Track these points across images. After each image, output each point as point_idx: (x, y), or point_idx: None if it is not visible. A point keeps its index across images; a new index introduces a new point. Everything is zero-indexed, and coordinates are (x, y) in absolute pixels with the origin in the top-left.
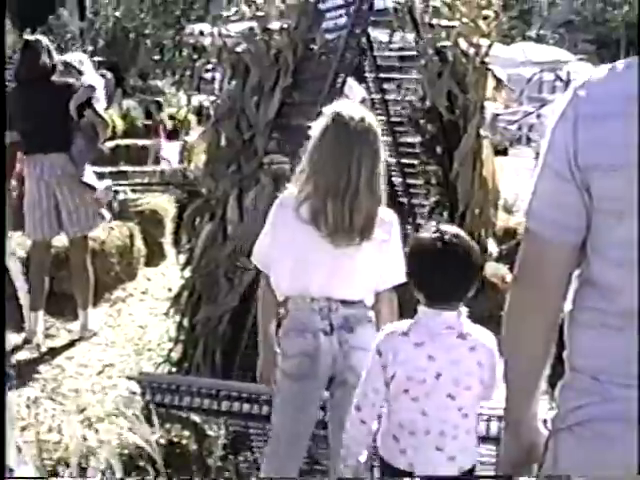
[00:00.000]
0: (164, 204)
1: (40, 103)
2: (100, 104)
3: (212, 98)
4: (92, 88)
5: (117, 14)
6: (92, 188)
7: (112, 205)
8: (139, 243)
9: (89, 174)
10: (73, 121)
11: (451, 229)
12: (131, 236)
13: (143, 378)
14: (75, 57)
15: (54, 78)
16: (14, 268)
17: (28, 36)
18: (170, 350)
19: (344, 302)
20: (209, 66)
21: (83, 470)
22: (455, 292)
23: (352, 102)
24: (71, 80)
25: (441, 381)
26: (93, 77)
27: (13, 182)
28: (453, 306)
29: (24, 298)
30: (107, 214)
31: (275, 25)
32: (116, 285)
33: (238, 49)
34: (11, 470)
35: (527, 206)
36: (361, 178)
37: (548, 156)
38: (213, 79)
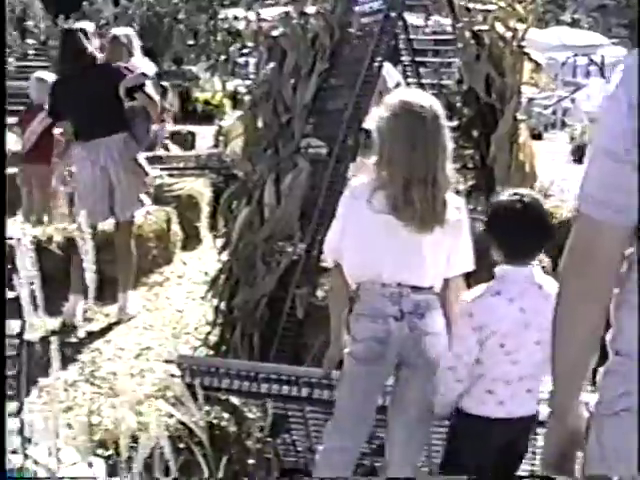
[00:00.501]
0: (200, 188)
1: (90, 89)
2: (150, 85)
3: (246, 82)
4: (144, 75)
5: (151, 0)
6: (145, 172)
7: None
8: (176, 227)
9: (142, 158)
10: (124, 103)
11: (528, 192)
12: (168, 220)
13: (183, 360)
14: (123, 31)
15: (101, 62)
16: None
17: (72, 24)
18: (208, 333)
19: (414, 288)
20: (243, 50)
21: (132, 450)
22: (533, 249)
23: (411, 89)
24: (120, 63)
25: (530, 330)
26: (143, 60)
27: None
28: (530, 262)
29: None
30: (148, 200)
31: (311, 9)
32: (153, 269)
33: (274, 33)
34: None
35: (579, 190)
36: (438, 164)
37: (601, 138)
38: (247, 63)
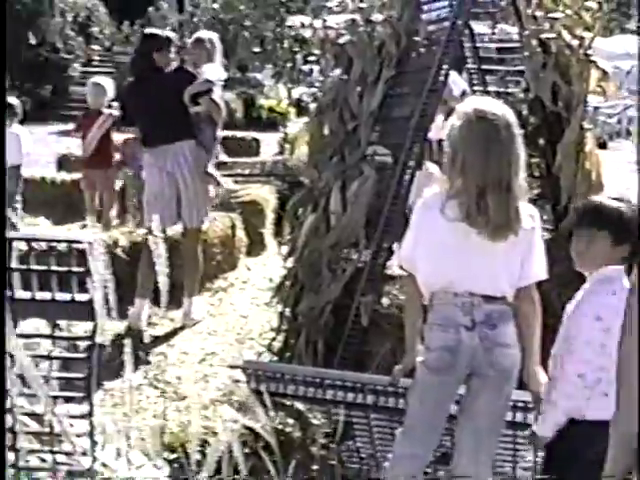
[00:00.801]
0: (265, 195)
1: (157, 94)
2: (217, 91)
3: (311, 90)
4: (209, 82)
5: (216, 6)
6: (216, 181)
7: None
8: (240, 233)
9: (212, 167)
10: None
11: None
12: (233, 226)
13: (248, 366)
14: (207, 35)
15: (172, 67)
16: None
17: (136, 30)
18: (272, 339)
19: (487, 298)
20: (308, 58)
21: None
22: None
23: (483, 97)
24: (182, 67)
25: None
26: (216, 66)
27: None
28: None
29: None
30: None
31: (378, 17)
32: (218, 274)
33: (341, 41)
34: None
35: None
36: (511, 172)
37: None
38: (311, 71)
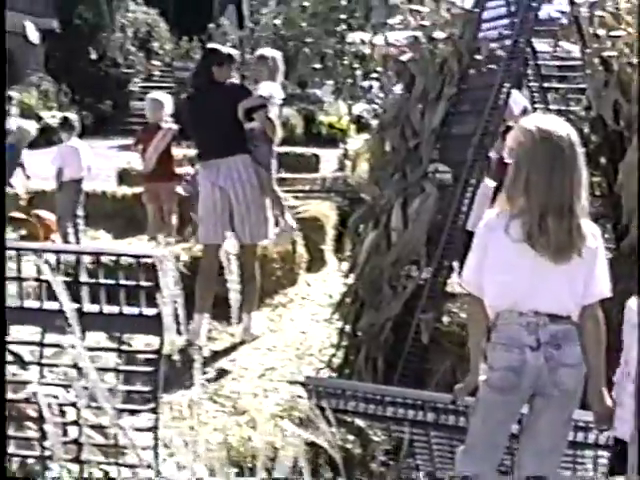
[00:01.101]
0: (325, 211)
1: (213, 108)
2: (274, 109)
3: (371, 107)
4: (262, 98)
5: (277, 22)
6: (277, 196)
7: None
8: (301, 249)
9: (274, 183)
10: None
11: None
12: (293, 242)
13: (309, 382)
14: (270, 53)
15: (229, 81)
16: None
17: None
18: (332, 356)
19: (552, 317)
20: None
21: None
22: None
23: (546, 115)
24: (238, 82)
25: None
26: (270, 85)
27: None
28: None
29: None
30: (293, 222)
31: (440, 34)
32: (277, 290)
33: (403, 58)
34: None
35: None
36: (574, 193)
37: None
38: (371, 88)
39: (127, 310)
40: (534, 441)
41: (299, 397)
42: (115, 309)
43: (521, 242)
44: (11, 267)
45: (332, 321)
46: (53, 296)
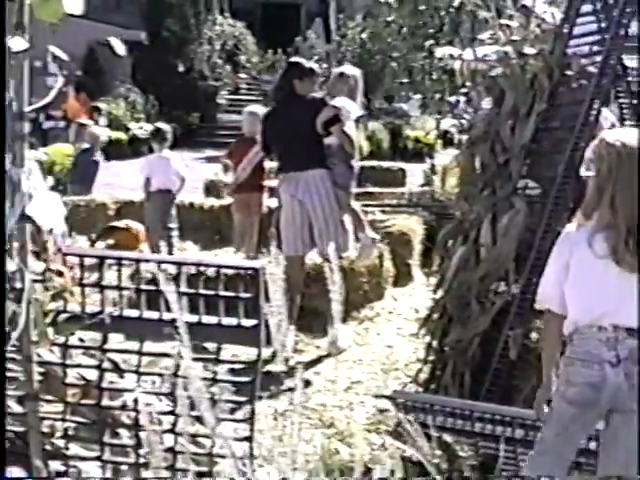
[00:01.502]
0: (412, 225)
1: (293, 121)
2: (350, 124)
3: (459, 122)
4: (336, 108)
5: (364, 36)
6: (356, 214)
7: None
8: (388, 263)
9: (352, 201)
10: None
11: None
12: (380, 256)
13: (397, 396)
14: (351, 71)
15: (310, 95)
16: None
17: (282, 59)
18: (419, 370)
19: (630, 332)
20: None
21: None
22: None
23: (630, 129)
24: (318, 95)
25: None
26: (346, 101)
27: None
28: None
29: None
30: (375, 235)
31: (531, 49)
32: (364, 304)
33: (493, 73)
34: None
35: None
36: None
37: None
38: (457, 102)
39: (226, 321)
40: (614, 458)
41: (386, 411)
42: (214, 319)
43: (606, 257)
44: (111, 276)
45: (419, 336)
46: (149, 305)
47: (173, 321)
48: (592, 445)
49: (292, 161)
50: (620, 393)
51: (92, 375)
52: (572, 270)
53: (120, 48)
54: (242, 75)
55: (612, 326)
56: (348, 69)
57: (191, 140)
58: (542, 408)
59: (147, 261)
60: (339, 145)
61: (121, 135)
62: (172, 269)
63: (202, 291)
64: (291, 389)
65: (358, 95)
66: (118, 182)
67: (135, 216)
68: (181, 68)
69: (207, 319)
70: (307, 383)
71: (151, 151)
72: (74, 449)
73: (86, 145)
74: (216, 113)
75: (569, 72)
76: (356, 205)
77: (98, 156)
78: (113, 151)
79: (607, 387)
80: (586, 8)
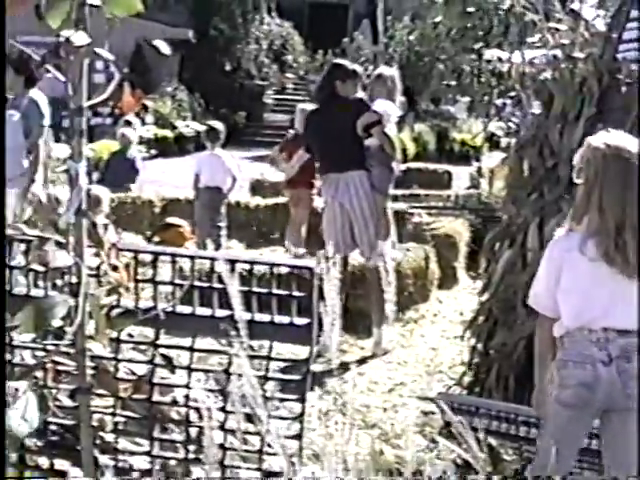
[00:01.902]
0: (458, 228)
1: (334, 122)
2: (391, 126)
3: (506, 125)
4: (377, 114)
5: (411, 38)
6: (386, 220)
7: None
8: (433, 266)
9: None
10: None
11: None
12: (426, 258)
13: (441, 398)
14: (389, 72)
15: (351, 97)
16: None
17: (330, 60)
18: (463, 373)
19: (621, 332)
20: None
21: None
22: None
23: (616, 133)
24: (358, 96)
25: None
26: (386, 103)
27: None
28: None
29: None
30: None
31: (580, 53)
32: (409, 306)
33: (542, 76)
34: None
35: None
36: None
37: None
38: (504, 105)
39: (278, 319)
40: (618, 457)
41: (431, 413)
42: (266, 317)
43: (598, 261)
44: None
45: (463, 338)
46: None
47: (226, 318)
48: (593, 443)
49: (332, 162)
50: (614, 392)
51: (141, 370)
52: (564, 275)
53: (165, 48)
54: (289, 75)
55: (602, 328)
56: (386, 70)
57: (237, 139)
58: (541, 412)
59: (202, 258)
60: (379, 147)
61: (167, 133)
62: (224, 266)
63: (255, 289)
64: (334, 389)
65: (397, 96)
66: (164, 179)
67: (181, 213)
68: (228, 67)
69: (260, 317)
70: (351, 384)
71: (198, 149)
72: (123, 443)
73: (119, 146)
74: (262, 112)
75: (619, 76)
76: (390, 214)
77: (134, 155)
78: (159, 148)
79: (601, 386)
80: (635, 13)
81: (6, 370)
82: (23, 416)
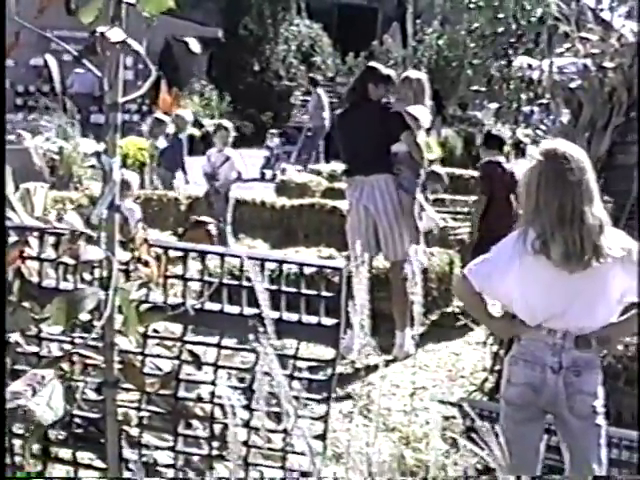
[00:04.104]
0: None
1: (362, 125)
2: (421, 132)
3: (533, 132)
4: (416, 120)
5: (441, 43)
6: (415, 223)
7: (431, 232)
8: (457, 271)
9: (417, 202)
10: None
11: None
12: (451, 263)
13: (464, 403)
14: (416, 75)
15: (382, 101)
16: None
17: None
18: (484, 379)
19: (580, 342)
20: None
21: None
22: None
23: (557, 140)
24: (388, 100)
25: None
26: (420, 109)
27: None
28: None
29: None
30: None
31: (610, 63)
32: (433, 310)
33: (572, 85)
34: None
35: None
36: (584, 204)
37: None
38: (532, 112)
39: (306, 319)
40: (573, 466)
41: (452, 418)
42: (294, 317)
43: (539, 254)
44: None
45: (486, 344)
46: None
47: (254, 316)
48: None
49: (358, 165)
50: (558, 401)
51: (167, 366)
52: (518, 273)
53: (195, 46)
54: (317, 76)
55: (562, 332)
56: (413, 73)
57: (264, 139)
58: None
59: (232, 256)
60: (407, 152)
61: (194, 131)
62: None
63: (284, 288)
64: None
65: (426, 99)
66: (190, 177)
67: (206, 211)
68: (256, 67)
69: (288, 316)
70: (372, 387)
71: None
72: (147, 438)
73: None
74: (289, 113)
75: None
76: (417, 217)
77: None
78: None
79: (545, 391)
80: None
81: (33, 361)
82: (48, 403)
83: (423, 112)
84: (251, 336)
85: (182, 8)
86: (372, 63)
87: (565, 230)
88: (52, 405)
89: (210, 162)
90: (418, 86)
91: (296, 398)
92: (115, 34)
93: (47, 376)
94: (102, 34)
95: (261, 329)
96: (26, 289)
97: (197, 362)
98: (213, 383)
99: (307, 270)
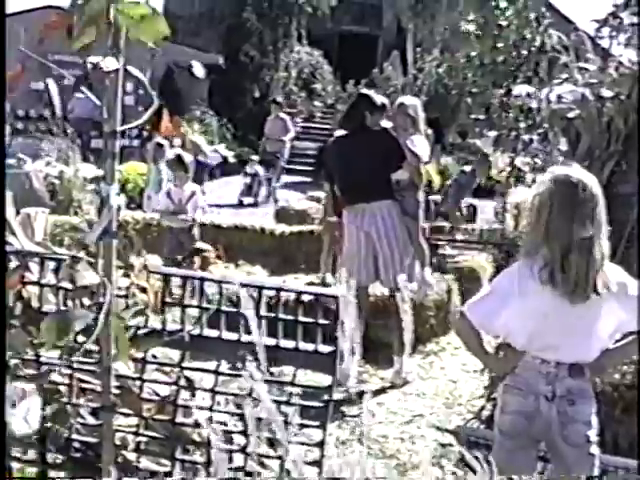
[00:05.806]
0: (482, 262)
1: (360, 153)
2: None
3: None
4: (417, 157)
5: (440, 71)
6: (422, 248)
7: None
8: (456, 299)
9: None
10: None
11: None
12: (449, 291)
13: (461, 431)
14: (411, 101)
15: (379, 128)
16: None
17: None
18: (482, 408)
19: (573, 371)
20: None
21: None
22: None
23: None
24: (385, 127)
25: None
26: (421, 141)
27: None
28: None
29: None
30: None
31: (608, 92)
32: (430, 338)
33: (570, 114)
34: None
35: None
36: (593, 235)
37: None
38: (531, 141)
39: (303, 346)
40: None
41: (448, 445)
42: (291, 344)
43: (545, 285)
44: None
45: (483, 372)
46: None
47: (251, 343)
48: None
49: (358, 192)
50: (551, 430)
51: (164, 391)
52: (517, 304)
53: (199, 70)
54: (317, 103)
55: (555, 362)
56: (408, 99)
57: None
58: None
59: (229, 283)
60: (409, 180)
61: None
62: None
63: (281, 315)
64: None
65: (421, 125)
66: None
67: (205, 237)
68: (257, 93)
69: (285, 343)
70: (369, 414)
71: (224, 174)
72: (145, 463)
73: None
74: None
75: None
76: (424, 241)
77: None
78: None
79: (538, 420)
80: None
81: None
82: (25, 417)
83: (423, 146)
84: (242, 364)
85: (183, 35)
86: (364, 90)
87: (573, 259)
88: (28, 419)
89: (171, 198)
90: (414, 112)
91: (289, 424)
92: (109, 63)
93: (28, 390)
94: (94, 64)
95: (253, 357)
96: (28, 313)
97: (191, 388)
98: (211, 409)
99: (305, 297)
